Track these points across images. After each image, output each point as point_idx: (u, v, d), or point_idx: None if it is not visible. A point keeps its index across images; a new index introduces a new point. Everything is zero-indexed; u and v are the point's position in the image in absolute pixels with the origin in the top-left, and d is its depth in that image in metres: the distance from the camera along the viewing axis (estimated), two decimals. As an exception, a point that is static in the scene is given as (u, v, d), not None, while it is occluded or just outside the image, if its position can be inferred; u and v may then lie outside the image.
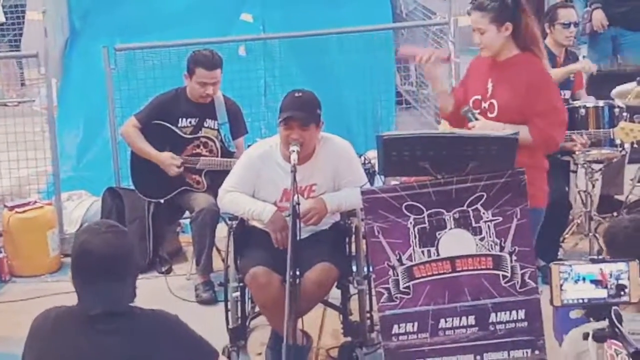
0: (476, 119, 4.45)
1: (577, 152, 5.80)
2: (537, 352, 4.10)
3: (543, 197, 4.50)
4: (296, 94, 4.72)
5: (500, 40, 4.44)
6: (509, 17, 4.42)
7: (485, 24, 4.44)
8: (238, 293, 4.82)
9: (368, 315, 4.90)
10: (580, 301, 2.85)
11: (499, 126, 4.38)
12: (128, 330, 2.97)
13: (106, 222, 3.21)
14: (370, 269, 4.48)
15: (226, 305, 4.91)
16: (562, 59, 6.23)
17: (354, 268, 4.87)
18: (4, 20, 9.93)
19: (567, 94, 6.11)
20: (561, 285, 2.83)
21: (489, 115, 4.47)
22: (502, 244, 4.09)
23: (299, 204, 4.37)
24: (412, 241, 4.08)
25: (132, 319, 3.00)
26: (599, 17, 7.58)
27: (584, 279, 2.83)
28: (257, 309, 4.98)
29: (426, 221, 4.08)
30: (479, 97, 4.52)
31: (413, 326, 4.09)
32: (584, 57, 6.98)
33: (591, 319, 2.95)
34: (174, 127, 5.96)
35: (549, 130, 4.38)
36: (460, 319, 4.09)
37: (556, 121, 4.43)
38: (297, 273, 4.35)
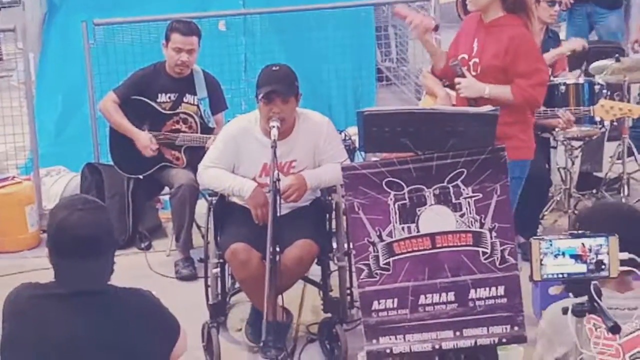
0: (463, 74, 4.56)
1: (557, 129, 5.81)
2: (516, 328, 4.10)
3: (527, 150, 4.66)
4: (273, 68, 4.70)
5: None
6: None
7: None
8: (218, 269, 4.81)
9: (348, 291, 4.90)
10: (560, 276, 2.86)
11: (482, 86, 4.50)
12: (102, 309, 2.94)
13: (84, 198, 3.13)
14: (351, 245, 4.48)
15: (206, 282, 4.91)
16: (542, 36, 6.22)
17: (334, 244, 4.87)
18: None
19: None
20: (541, 260, 2.83)
21: (472, 73, 4.58)
22: (482, 221, 4.09)
23: (279, 180, 4.36)
24: (393, 217, 4.07)
25: (107, 298, 2.97)
26: None
27: (563, 253, 2.84)
28: (237, 285, 4.98)
29: (406, 197, 4.07)
30: (466, 55, 4.62)
31: (393, 302, 4.08)
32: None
33: (570, 294, 2.95)
34: (153, 103, 5.93)
35: (530, 91, 4.51)
36: (440, 295, 4.09)
37: (538, 81, 4.55)
38: (277, 249, 4.34)
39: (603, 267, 2.84)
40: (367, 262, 4.07)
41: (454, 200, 4.09)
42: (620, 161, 6.31)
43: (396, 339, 4.09)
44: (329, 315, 4.81)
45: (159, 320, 3.04)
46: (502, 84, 4.52)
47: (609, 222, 3.10)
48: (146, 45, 7.07)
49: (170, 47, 5.83)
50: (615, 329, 2.77)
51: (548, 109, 5.67)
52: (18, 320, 2.95)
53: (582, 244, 2.84)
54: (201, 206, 5.81)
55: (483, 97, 4.50)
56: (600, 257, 2.84)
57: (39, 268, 5.51)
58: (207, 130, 5.91)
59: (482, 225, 4.09)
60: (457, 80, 4.60)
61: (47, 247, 3.01)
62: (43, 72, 7.77)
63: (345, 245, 4.79)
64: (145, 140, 5.88)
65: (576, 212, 6.01)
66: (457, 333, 4.10)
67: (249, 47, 7.72)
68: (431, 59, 4.93)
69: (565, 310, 2.91)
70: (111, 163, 6.16)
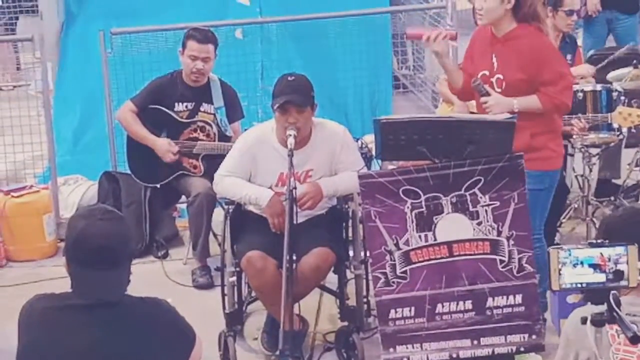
0: (487, 92, 4.51)
1: (574, 137, 5.79)
2: (534, 336, 4.09)
3: (558, 159, 4.63)
4: (289, 78, 4.69)
5: (500, 12, 4.47)
6: None
7: None
8: (235, 278, 4.80)
9: (365, 300, 4.89)
10: (579, 285, 2.84)
11: (510, 100, 4.44)
12: (118, 320, 2.92)
13: (103, 208, 3.10)
14: (367, 253, 4.47)
15: (223, 290, 4.91)
16: (558, 43, 6.20)
17: (351, 253, 4.86)
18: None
19: None
20: (559, 270, 2.82)
21: (497, 89, 4.53)
22: (500, 229, 4.08)
23: (295, 188, 4.36)
24: (410, 226, 4.06)
25: (123, 309, 2.95)
26: (594, 2, 7.61)
27: (582, 263, 2.82)
28: (253, 294, 4.97)
29: (423, 206, 4.06)
30: (487, 72, 4.57)
31: (410, 311, 4.08)
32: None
33: (589, 303, 2.93)
34: (170, 112, 5.93)
35: (559, 97, 4.49)
36: (457, 304, 4.08)
37: (565, 86, 4.53)
38: (294, 258, 4.33)
39: (622, 276, 2.81)
40: (384, 270, 4.07)
41: (471, 209, 4.08)
42: (638, 168, 6.28)
43: (413, 347, 4.09)
44: (346, 323, 4.79)
45: (175, 330, 3.04)
46: (526, 94, 4.47)
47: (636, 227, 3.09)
48: (163, 54, 7.08)
49: (186, 54, 5.84)
50: (635, 340, 2.74)
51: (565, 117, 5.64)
52: (33, 333, 2.93)
53: (601, 253, 2.82)
54: (218, 215, 5.81)
55: (513, 111, 4.44)
56: (619, 266, 2.82)
57: (56, 277, 5.55)
58: (224, 138, 5.91)
59: (499, 234, 4.08)
60: (483, 99, 4.50)
61: (65, 256, 2.99)
62: (61, 81, 7.81)
63: (362, 254, 4.78)
64: (164, 145, 5.88)
65: (594, 219, 5.97)
66: (475, 342, 4.09)
67: (266, 55, 7.73)
68: (448, 77, 4.87)
69: (583, 320, 2.88)
70: (128, 171, 6.17)
